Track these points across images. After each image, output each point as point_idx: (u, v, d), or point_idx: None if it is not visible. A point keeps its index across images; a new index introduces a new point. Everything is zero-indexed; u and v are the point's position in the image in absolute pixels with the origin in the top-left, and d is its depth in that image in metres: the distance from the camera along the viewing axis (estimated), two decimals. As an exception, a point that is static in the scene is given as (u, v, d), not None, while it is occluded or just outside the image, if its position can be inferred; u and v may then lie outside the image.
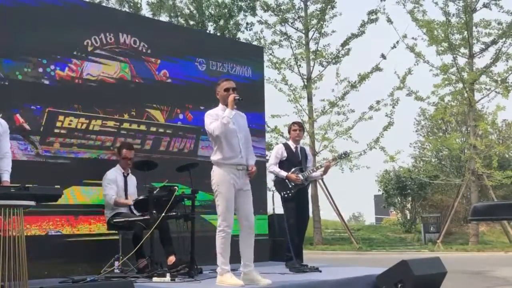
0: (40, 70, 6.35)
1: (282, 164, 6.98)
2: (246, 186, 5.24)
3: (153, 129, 7.36)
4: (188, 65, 7.84)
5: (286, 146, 7.11)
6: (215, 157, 5.20)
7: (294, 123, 7.28)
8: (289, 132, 7.25)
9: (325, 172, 7.06)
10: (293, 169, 6.91)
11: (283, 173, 6.87)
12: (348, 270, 6.89)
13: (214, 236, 5.12)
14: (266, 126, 13.61)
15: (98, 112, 6.82)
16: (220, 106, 5.30)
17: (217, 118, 5.15)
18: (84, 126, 6.67)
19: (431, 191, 24.91)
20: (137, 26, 7.47)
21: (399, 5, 19.24)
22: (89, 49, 6.80)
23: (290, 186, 6.86)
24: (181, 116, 7.66)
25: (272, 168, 6.98)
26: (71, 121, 6.57)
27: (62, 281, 5.55)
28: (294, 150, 7.08)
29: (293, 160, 7.00)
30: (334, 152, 19.42)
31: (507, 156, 25.22)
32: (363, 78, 19.67)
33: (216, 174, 5.16)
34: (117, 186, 6.47)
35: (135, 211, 6.40)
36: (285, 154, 6.99)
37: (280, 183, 6.93)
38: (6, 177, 5.07)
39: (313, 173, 7.05)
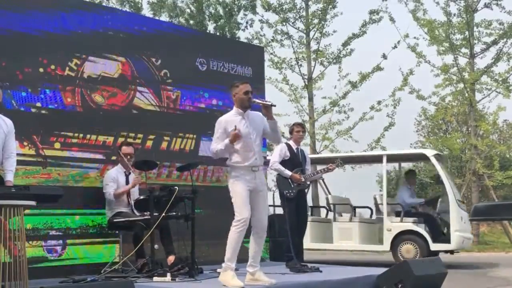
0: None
1: (284, 164, 7.01)
2: (261, 186, 5.26)
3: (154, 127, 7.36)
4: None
5: (288, 146, 7.14)
6: (229, 160, 5.24)
7: (297, 124, 7.36)
8: (291, 133, 7.28)
9: (327, 171, 7.14)
10: (295, 170, 6.98)
11: (288, 172, 6.92)
12: (349, 270, 6.89)
13: None
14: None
15: (99, 112, 6.82)
16: (235, 109, 5.28)
17: (222, 129, 5.15)
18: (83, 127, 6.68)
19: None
20: (136, 27, 7.46)
21: (400, 4, 19.23)
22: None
23: (293, 186, 6.92)
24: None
25: (277, 165, 7.00)
26: (71, 120, 6.59)
27: (62, 281, 5.56)
28: (295, 151, 7.14)
29: (295, 160, 7.05)
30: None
31: (508, 157, 25.18)
32: (364, 77, 19.64)
33: (231, 175, 5.20)
34: (118, 184, 6.46)
35: (135, 211, 6.41)
36: (288, 154, 7.05)
37: (283, 181, 6.97)
38: (10, 177, 5.06)
39: (314, 176, 7.20)
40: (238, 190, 5.11)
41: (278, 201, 7.37)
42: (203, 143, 7.80)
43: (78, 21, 6.71)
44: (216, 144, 5.21)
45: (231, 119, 5.22)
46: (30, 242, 5.86)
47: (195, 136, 7.77)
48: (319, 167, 9.84)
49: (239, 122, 5.19)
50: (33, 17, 6.31)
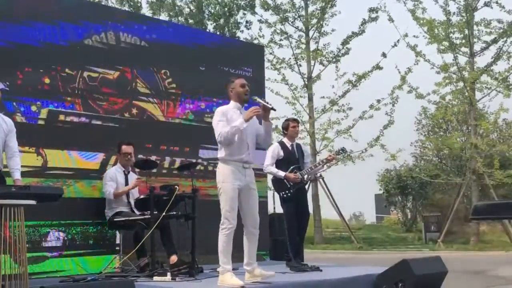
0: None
1: (279, 163, 6.80)
2: (252, 184, 5.20)
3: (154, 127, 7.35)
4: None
5: (282, 144, 6.92)
6: (221, 153, 5.13)
7: (292, 119, 7.12)
8: (286, 129, 7.00)
9: (327, 161, 6.94)
10: (290, 168, 6.80)
11: (281, 173, 6.73)
12: (349, 270, 6.88)
13: None
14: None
15: (99, 111, 6.83)
16: (232, 103, 5.25)
17: (225, 117, 5.06)
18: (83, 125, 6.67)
19: (432, 190, 24.87)
20: (137, 26, 7.47)
21: (399, 3, 19.21)
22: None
23: (289, 186, 6.75)
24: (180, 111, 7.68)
25: (269, 168, 6.81)
26: (71, 119, 6.58)
27: (62, 280, 5.56)
28: (290, 148, 6.90)
29: (290, 158, 6.83)
30: (333, 151, 19.44)
31: (508, 155, 25.17)
32: (363, 76, 19.67)
33: (221, 171, 5.10)
34: (117, 183, 6.47)
35: (135, 210, 6.41)
36: (281, 153, 6.82)
37: (278, 183, 6.80)
38: (17, 175, 5.09)
39: (314, 168, 6.99)
40: (228, 192, 5.02)
41: (278, 200, 7.30)
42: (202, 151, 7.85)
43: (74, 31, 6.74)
44: (224, 128, 5.02)
45: (230, 110, 5.18)
46: (31, 240, 5.87)
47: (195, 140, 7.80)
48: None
49: (238, 115, 5.15)
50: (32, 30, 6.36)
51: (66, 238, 6.32)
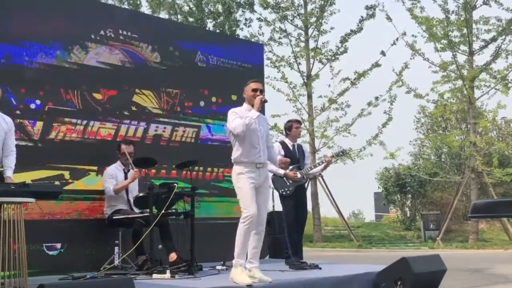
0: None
1: None
2: (265, 183, 5.30)
3: (153, 125, 7.35)
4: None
5: (283, 144, 7.04)
6: (235, 154, 5.24)
7: (295, 120, 7.28)
8: (289, 130, 7.13)
9: (325, 167, 7.06)
10: (291, 167, 6.87)
11: (281, 171, 6.81)
12: (348, 268, 6.88)
13: None
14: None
15: (99, 110, 6.82)
16: (245, 105, 5.33)
17: (239, 116, 5.16)
18: (84, 123, 6.66)
19: (430, 189, 24.90)
20: (136, 22, 7.47)
21: (398, 2, 19.20)
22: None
23: (288, 184, 6.85)
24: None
25: (270, 167, 6.87)
26: (70, 117, 6.58)
27: (62, 278, 5.56)
28: (291, 148, 7.04)
29: (291, 157, 6.87)
30: (333, 149, 19.53)
31: (506, 154, 25.19)
32: (362, 75, 19.67)
33: (236, 172, 5.21)
34: (117, 181, 6.46)
35: (134, 208, 6.41)
36: (282, 153, 6.88)
37: (278, 181, 6.90)
38: (9, 173, 5.12)
39: (313, 169, 7.08)
40: (243, 187, 5.12)
41: (277, 198, 7.34)
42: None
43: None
44: (237, 120, 5.10)
45: (243, 111, 5.25)
46: (30, 238, 5.86)
47: (196, 130, 7.78)
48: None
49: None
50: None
51: (66, 236, 6.31)
